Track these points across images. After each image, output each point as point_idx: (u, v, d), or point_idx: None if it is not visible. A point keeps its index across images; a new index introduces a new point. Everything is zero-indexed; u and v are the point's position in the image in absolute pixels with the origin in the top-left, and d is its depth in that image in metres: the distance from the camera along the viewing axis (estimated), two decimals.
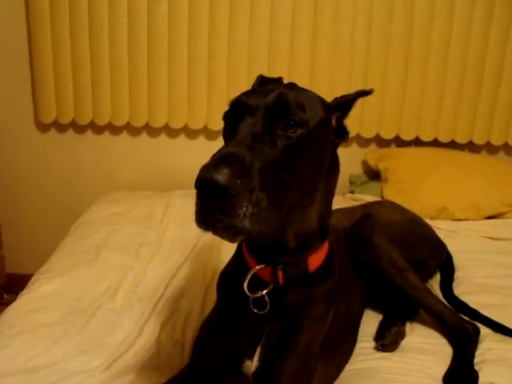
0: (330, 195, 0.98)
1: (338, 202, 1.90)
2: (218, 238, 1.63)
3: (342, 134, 0.96)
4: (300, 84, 0.96)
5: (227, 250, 1.62)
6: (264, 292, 0.96)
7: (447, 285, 1.54)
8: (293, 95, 0.85)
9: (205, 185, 0.71)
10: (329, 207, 0.99)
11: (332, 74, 2.28)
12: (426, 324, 1.36)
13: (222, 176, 0.70)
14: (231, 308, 1.04)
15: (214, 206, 0.72)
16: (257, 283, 0.96)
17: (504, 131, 2.44)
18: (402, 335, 1.31)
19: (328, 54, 2.27)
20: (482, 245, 1.87)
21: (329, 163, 0.93)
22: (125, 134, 2.47)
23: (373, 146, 2.49)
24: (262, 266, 0.95)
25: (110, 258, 1.60)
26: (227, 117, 0.89)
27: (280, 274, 0.95)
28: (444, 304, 1.36)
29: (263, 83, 1.04)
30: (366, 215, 1.47)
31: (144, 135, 2.47)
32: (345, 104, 0.95)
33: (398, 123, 2.39)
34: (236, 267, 1.05)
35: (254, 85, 1.06)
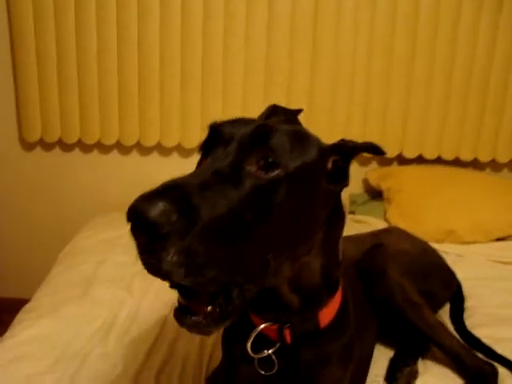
0: (333, 245, 0.87)
1: None
2: None
3: (340, 179, 0.80)
4: (298, 104, 0.85)
5: None
6: (270, 351, 0.86)
7: (458, 317, 1.45)
8: (276, 129, 0.72)
9: (133, 217, 0.60)
10: (335, 258, 0.88)
11: (333, 93, 2.20)
12: (439, 361, 1.27)
13: (153, 209, 0.58)
14: (238, 366, 0.94)
15: (142, 243, 0.61)
16: (263, 341, 0.87)
17: (509, 148, 2.38)
18: (414, 375, 1.22)
19: (328, 72, 2.20)
20: (491, 270, 1.79)
21: (329, 211, 0.81)
22: (115, 152, 2.37)
23: (373, 164, 2.41)
24: (266, 324, 0.86)
25: (99, 293, 1.49)
26: (202, 145, 0.78)
27: (287, 332, 0.86)
28: (460, 343, 1.26)
29: (274, 114, 0.93)
30: (376, 245, 1.38)
31: (135, 153, 2.37)
32: (347, 150, 0.80)
33: (401, 141, 2.31)
34: (240, 322, 0.94)
35: (262, 114, 0.95)
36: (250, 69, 2.18)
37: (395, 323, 1.29)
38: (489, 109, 2.32)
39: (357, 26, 2.18)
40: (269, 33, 2.16)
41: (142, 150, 2.35)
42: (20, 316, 1.38)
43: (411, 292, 1.25)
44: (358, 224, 2.10)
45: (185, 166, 2.30)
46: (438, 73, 2.26)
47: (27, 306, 1.43)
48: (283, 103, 0.97)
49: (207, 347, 1.28)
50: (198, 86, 2.21)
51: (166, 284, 1.22)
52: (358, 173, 2.38)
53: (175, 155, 2.37)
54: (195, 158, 2.33)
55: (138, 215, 0.59)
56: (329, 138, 0.82)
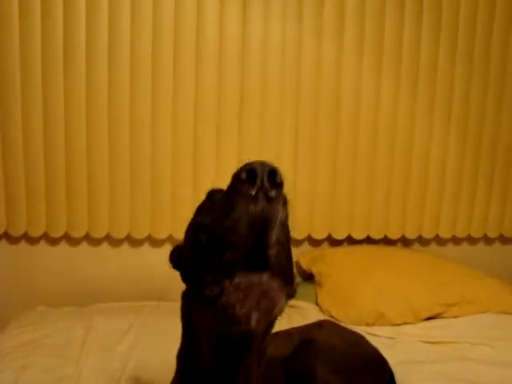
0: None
1: None
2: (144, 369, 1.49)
3: None
4: None
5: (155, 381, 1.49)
6: None
7: None
8: None
9: (259, 165, 0.67)
10: (265, 354, 0.88)
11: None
12: None
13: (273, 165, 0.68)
14: None
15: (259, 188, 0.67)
16: None
17: (435, 223, 2.48)
18: None
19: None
20: (421, 353, 1.79)
21: None
22: (42, 243, 2.29)
23: (305, 246, 2.44)
24: None
25: None
26: None
27: None
28: None
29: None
30: (305, 341, 1.36)
31: (63, 244, 2.30)
32: None
33: (330, 222, 2.37)
34: None
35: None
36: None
37: None
38: (413, 187, 2.43)
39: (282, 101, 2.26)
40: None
41: (70, 240, 2.29)
42: None
43: None
44: (291, 309, 2.08)
45: (114, 256, 2.25)
46: (362, 154, 2.35)
47: None
48: None
49: None
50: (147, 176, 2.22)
51: None
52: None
53: (105, 244, 2.32)
54: (125, 246, 2.28)
55: (263, 164, 0.67)
56: None
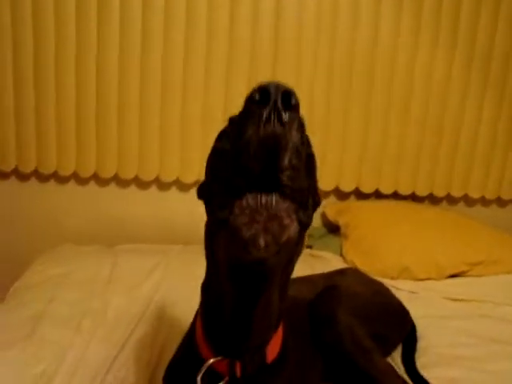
0: (287, 278, 0.87)
1: None
2: (168, 307, 1.52)
3: None
4: None
5: (175, 324, 1.52)
6: None
7: (410, 358, 1.46)
8: None
9: (272, 85, 0.64)
10: (286, 292, 0.89)
11: None
12: None
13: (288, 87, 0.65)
14: None
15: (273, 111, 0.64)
16: (209, 375, 0.87)
17: (464, 183, 2.44)
18: None
19: None
20: (443, 308, 1.80)
21: None
22: (72, 183, 2.33)
23: (332, 198, 2.43)
24: (218, 358, 0.86)
25: (47, 333, 1.42)
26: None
27: (238, 367, 0.86)
28: None
29: None
30: (329, 287, 1.37)
31: (92, 184, 2.33)
32: None
33: (358, 175, 2.35)
34: (186, 357, 0.95)
35: None
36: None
37: (344, 368, 1.27)
38: (444, 144, 2.38)
39: (316, 60, 2.21)
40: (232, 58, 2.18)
41: (99, 181, 2.32)
42: None
43: (362, 336, 1.24)
44: (315, 259, 2.10)
45: (142, 198, 2.28)
46: (394, 108, 2.31)
47: None
48: None
49: None
50: (156, 122, 2.20)
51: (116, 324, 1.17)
52: None
53: (133, 186, 2.34)
54: (153, 189, 2.30)
55: (277, 85, 0.65)
56: None
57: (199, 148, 2.21)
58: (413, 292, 1.89)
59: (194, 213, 2.28)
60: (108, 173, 2.24)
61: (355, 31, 2.21)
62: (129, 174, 2.25)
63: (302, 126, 0.69)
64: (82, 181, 2.32)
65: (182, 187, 2.34)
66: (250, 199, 0.65)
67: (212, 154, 0.82)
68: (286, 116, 0.64)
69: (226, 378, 0.86)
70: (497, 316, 1.77)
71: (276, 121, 0.64)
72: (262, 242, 0.64)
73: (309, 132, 0.77)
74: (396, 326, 1.47)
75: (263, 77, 2.16)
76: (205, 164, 0.84)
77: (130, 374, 1.30)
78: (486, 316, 1.77)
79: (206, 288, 0.92)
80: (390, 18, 2.22)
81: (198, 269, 1.90)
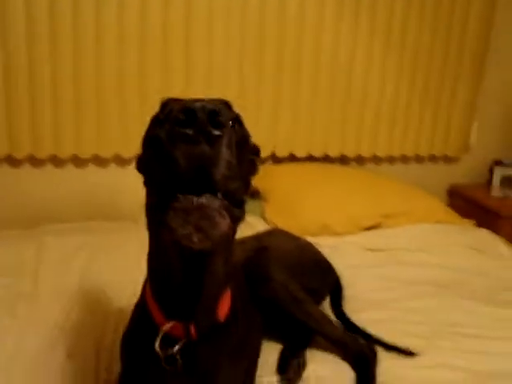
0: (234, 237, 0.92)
1: None
2: (103, 282, 1.52)
3: None
4: None
5: (112, 298, 1.53)
6: (176, 349, 0.89)
7: (338, 306, 1.57)
8: None
9: (198, 105, 0.67)
10: (232, 250, 0.94)
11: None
12: (324, 349, 1.37)
13: (215, 103, 0.68)
14: (140, 370, 0.96)
15: (200, 130, 0.67)
16: (164, 340, 0.90)
17: (370, 143, 2.59)
18: (303, 365, 1.31)
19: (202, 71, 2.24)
20: (364, 258, 1.95)
21: None
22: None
23: None
24: (171, 323, 0.89)
25: None
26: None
27: (192, 328, 0.89)
28: (342, 331, 1.38)
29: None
30: (260, 248, 1.45)
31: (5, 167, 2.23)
32: None
33: (273, 140, 2.42)
34: (140, 326, 0.98)
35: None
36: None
37: (281, 320, 1.37)
38: (351, 106, 2.51)
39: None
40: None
41: (12, 162, 2.22)
42: None
43: (295, 290, 1.33)
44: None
45: (59, 176, 2.17)
46: (305, 74, 2.39)
47: None
48: None
49: (104, 364, 1.26)
50: (70, 95, 2.13)
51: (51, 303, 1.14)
52: None
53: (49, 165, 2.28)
54: (70, 167, 2.19)
55: (202, 105, 0.67)
56: None
57: (116, 123, 2.18)
58: (334, 247, 1.99)
59: (111, 188, 2.28)
60: (22, 153, 2.15)
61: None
62: (44, 153, 2.17)
63: (232, 139, 0.72)
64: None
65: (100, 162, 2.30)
66: (182, 201, 0.68)
67: (148, 139, 0.84)
68: (214, 135, 0.67)
69: (183, 341, 0.90)
70: (411, 262, 1.95)
71: (204, 141, 0.67)
72: (195, 240, 0.70)
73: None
74: (323, 278, 1.57)
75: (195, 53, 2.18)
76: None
77: (75, 352, 1.31)
78: (402, 262, 1.94)
79: (151, 258, 0.94)
80: None
81: (123, 242, 1.92)
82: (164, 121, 0.76)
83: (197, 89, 2.22)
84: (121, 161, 2.30)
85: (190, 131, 0.67)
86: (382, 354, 1.35)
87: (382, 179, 2.48)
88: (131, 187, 2.22)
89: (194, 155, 0.67)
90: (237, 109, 0.84)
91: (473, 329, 1.52)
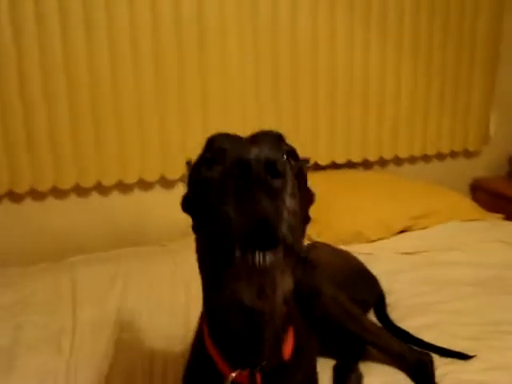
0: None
1: None
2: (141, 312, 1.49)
3: None
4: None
5: (153, 329, 1.50)
6: None
7: (383, 314, 1.55)
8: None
9: (250, 162, 0.59)
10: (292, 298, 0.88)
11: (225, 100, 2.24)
12: (378, 360, 1.34)
13: (270, 153, 0.61)
14: None
15: (258, 183, 0.60)
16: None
17: (394, 146, 2.59)
18: (361, 378, 1.28)
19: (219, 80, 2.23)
20: (400, 263, 1.92)
21: None
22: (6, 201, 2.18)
23: None
24: (237, 371, 0.83)
25: (27, 362, 1.36)
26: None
27: (258, 377, 0.84)
28: (400, 342, 1.35)
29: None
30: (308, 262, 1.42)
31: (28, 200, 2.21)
32: None
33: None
34: (202, 371, 0.92)
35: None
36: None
37: (333, 335, 1.34)
38: (372, 111, 2.52)
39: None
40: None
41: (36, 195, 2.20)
42: None
43: (348, 304, 1.31)
44: None
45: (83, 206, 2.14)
46: (321, 83, 2.39)
47: None
48: None
49: None
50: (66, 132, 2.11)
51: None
52: None
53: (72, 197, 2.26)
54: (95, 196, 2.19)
55: (257, 156, 0.59)
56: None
57: (137, 147, 2.17)
58: (369, 253, 1.97)
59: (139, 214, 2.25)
60: (45, 185, 2.13)
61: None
62: (68, 184, 2.15)
63: (294, 186, 0.65)
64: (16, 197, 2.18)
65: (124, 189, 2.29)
66: (244, 262, 0.62)
67: (194, 182, 0.81)
68: (274, 186, 0.60)
69: None
70: (447, 262, 1.92)
71: (264, 194, 0.60)
72: (258, 302, 0.66)
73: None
74: (369, 288, 1.56)
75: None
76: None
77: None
78: (437, 264, 1.91)
79: (209, 308, 0.88)
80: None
81: (154, 268, 1.91)
82: (212, 161, 0.73)
83: (214, 107, 2.22)
84: (144, 185, 2.30)
85: (246, 186, 0.60)
86: (437, 360, 1.32)
87: (406, 181, 2.47)
88: (155, 211, 2.26)
89: (253, 212, 0.60)
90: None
91: None
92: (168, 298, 1.69)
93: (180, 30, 2.11)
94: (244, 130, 0.84)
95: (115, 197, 2.27)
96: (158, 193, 2.30)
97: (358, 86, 2.44)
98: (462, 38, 2.57)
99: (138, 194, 2.29)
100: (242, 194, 0.61)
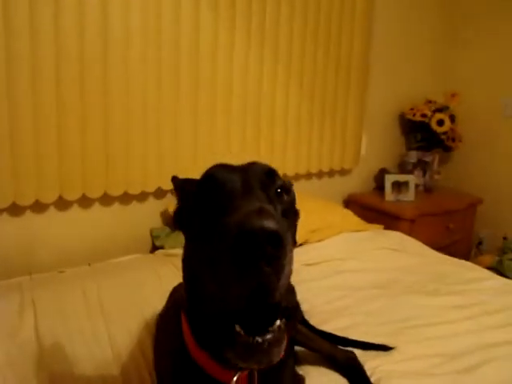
0: None
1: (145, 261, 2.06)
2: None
3: None
4: None
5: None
6: None
7: (305, 321, 1.61)
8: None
9: (261, 231, 0.61)
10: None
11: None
12: (312, 363, 1.42)
13: (272, 224, 0.62)
14: None
15: (261, 258, 0.63)
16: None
17: (283, 165, 2.72)
18: (303, 381, 1.33)
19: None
20: (304, 273, 2.02)
21: None
22: None
23: (169, 195, 2.42)
24: (238, 374, 0.83)
25: None
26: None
27: (255, 374, 0.86)
28: (330, 344, 1.45)
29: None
30: None
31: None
32: None
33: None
34: (187, 378, 0.90)
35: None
36: None
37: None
38: (264, 133, 2.61)
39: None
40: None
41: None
42: None
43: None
44: (171, 257, 2.05)
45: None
46: (219, 103, 2.43)
47: None
48: None
49: None
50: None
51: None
52: (156, 207, 2.40)
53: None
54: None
55: (264, 230, 0.61)
56: None
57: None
58: None
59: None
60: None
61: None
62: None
63: (292, 253, 0.70)
64: None
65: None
66: (244, 340, 0.68)
67: (191, 212, 0.86)
68: (275, 257, 0.64)
69: None
70: (349, 269, 2.09)
71: (264, 262, 0.63)
72: (255, 367, 0.76)
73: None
74: (292, 296, 1.61)
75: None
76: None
77: None
78: (341, 271, 2.07)
79: (194, 314, 0.89)
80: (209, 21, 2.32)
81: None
82: (213, 198, 0.78)
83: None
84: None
85: (250, 256, 0.63)
86: (362, 355, 1.44)
87: (303, 197, 2.59)
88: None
89: (254, 277, 0.64)
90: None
91: (422, 320, 1.68)
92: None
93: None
94: None
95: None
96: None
97: (251, 112, 2.53)
98: (339, 67, 2.81)
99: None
100: (245, 266, 0.63)
